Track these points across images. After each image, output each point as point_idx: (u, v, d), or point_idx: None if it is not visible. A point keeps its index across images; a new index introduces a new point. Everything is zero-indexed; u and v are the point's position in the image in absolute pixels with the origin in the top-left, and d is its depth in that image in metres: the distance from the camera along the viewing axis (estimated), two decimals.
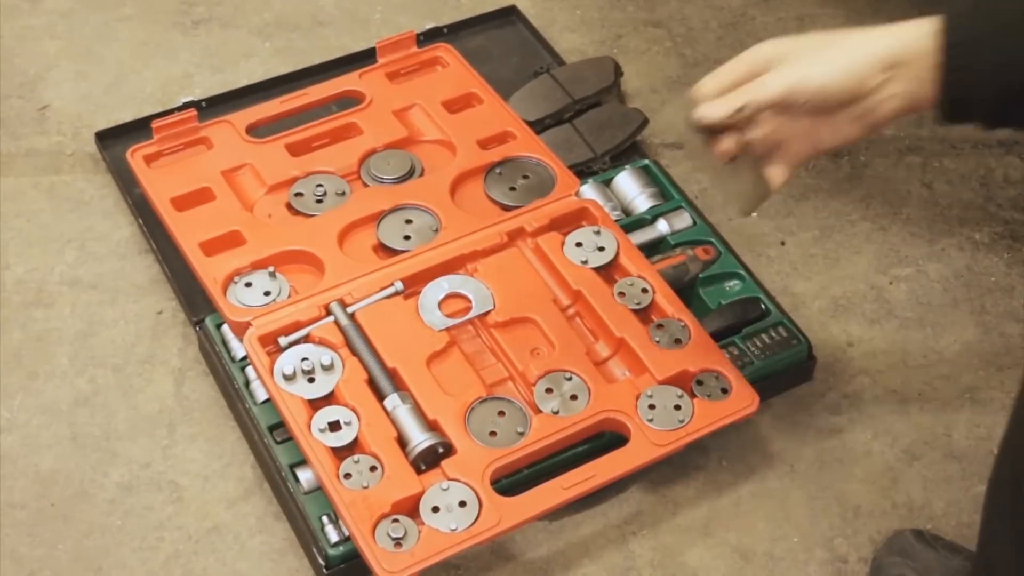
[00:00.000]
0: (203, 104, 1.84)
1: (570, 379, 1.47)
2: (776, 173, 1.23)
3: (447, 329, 1.52)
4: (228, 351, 1.57)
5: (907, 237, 1.84)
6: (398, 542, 1.33)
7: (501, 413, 1.45)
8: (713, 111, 1.21)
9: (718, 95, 1.21)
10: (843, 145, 1.22)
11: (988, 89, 1.11)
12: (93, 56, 2.05)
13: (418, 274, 1.57)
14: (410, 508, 1.37)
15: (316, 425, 1.42)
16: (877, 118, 1.16)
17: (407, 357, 1.49)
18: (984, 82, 1.11)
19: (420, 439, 1.40)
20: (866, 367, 1.68)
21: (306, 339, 1.50)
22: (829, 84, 1.16)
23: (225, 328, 1.58)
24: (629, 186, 1.75)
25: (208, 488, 1.55)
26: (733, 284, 1.66)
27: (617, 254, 1.59)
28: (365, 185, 1.70)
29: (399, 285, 1.55)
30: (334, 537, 1.41)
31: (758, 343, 1.59)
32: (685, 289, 1.64)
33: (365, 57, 1.88)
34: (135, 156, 1.71)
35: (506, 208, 1.66)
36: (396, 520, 1.35)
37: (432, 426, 1.43)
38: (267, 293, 1.55)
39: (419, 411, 1.44)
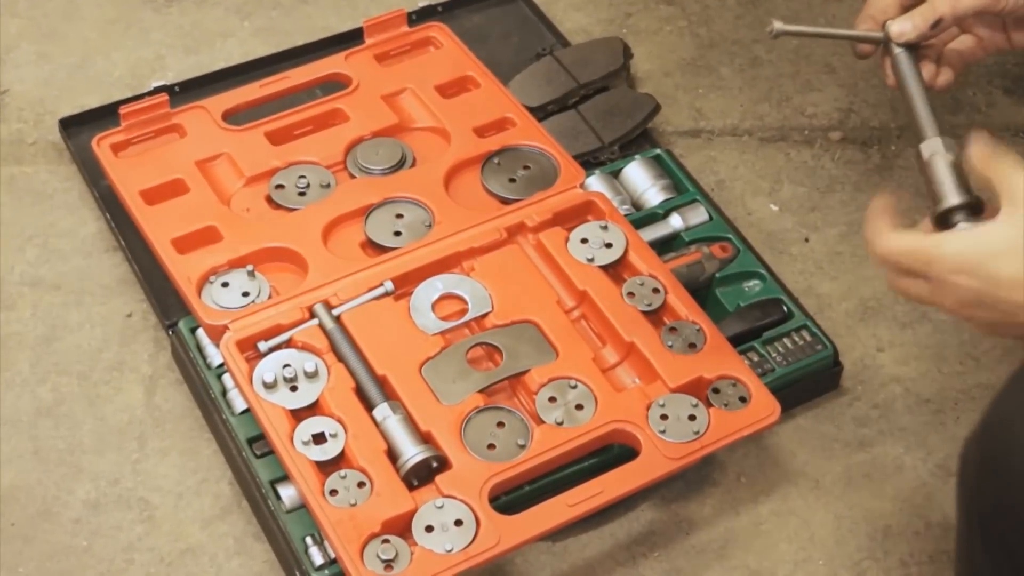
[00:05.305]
0: (176, 89, 1.84)
1: (575, 387, 1.47)
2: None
3: (441, 333, 1.53)
4: (203, 357, 1.58)
5: None
6: (388, 564, 1.34)
7: (500, 424, 1.45)
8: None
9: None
10: None
11: None
12: (57, 36, 2.05)
13: (410, 273, 1.57)
14: (402, 527, 1.37)
15: (299, 437, 1.42)
16: None
17: (398, 363, 1.49)
18: None
19: (412, 452, 1.40)
20: (897, 375, 1.68)
21: (288, 344, 1.51)
22: None
23: (200, 332, 1.58)
24: (639, 178, 1.75)
25: (182, 506, 1.55)
26: (753, 284, 1.67)
27: (626, 251, 1.59)
28: (352, 176, 1.70)
29: (389, 285, 1.56)
30: (319, 559, 1.41)
31: (780, 348, 1.59)
32: (700, 289, 1.64)
33: (353, 38, 1.88)
34: (101, 145, 1.71)
35: (505, 201, 1.67)
36: (386, 540, 1.35)
37: (425, 438, 1.43)
38: (245, 294, 1.55)
39: (411, 422, 1.44)
